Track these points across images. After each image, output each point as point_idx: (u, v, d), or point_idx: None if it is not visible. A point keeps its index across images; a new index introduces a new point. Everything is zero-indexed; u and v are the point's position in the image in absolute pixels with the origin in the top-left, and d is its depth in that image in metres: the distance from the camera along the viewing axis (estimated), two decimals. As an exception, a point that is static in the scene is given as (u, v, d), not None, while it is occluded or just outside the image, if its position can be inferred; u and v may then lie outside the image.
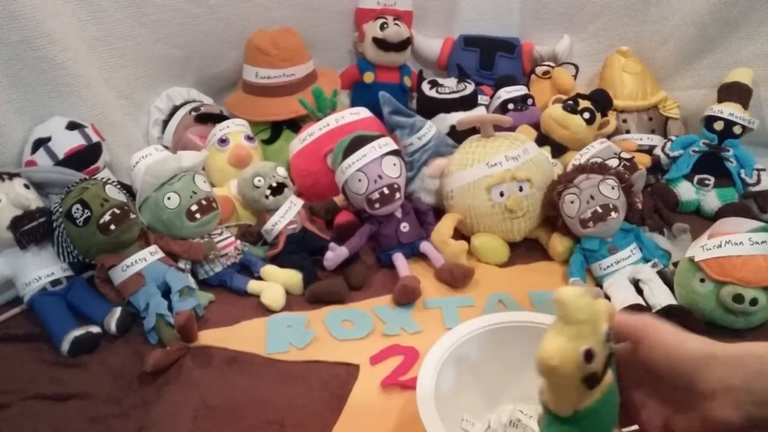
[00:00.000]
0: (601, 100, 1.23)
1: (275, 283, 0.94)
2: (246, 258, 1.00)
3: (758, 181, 1.16)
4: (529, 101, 1.31)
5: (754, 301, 0.79)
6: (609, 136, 1.28)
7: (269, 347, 0.83)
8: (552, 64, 1.43)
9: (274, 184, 1.03)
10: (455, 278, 0.95)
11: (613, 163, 1.07)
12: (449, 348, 0.67)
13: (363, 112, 1.18)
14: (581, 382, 0.40)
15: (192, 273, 0.96)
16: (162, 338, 0.83)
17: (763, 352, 0.42)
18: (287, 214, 1.03)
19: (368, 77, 1.41)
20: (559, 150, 1.21)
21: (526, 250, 1.06)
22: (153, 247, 0.93)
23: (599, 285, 0.94)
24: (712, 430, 0.41)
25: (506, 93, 1.31)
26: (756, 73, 1.22)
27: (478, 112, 1.29)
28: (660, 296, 0.87)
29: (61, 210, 0.88)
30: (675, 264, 0.93)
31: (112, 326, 0.85)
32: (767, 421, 0.40)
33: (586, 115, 1.20)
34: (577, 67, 1.41)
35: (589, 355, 0.39)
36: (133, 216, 0.90)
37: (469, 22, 1.49)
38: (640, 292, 0.90)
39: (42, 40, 0.98)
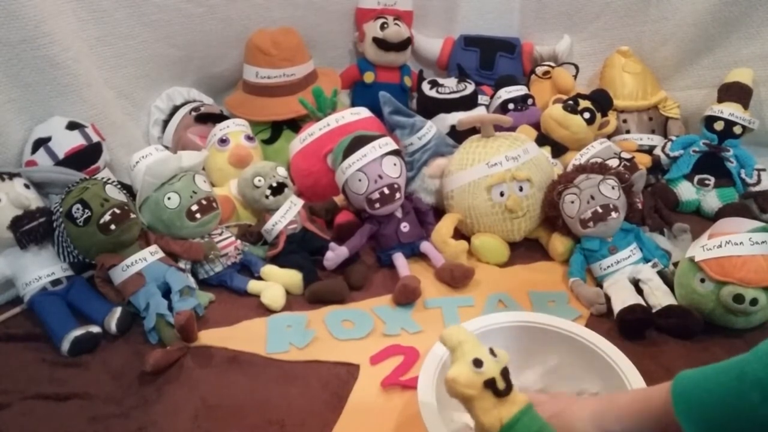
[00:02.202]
0: (601, 100, 1.23)
1: (275, 283, 0.94)
2: (246, 258, 1.00)
3: (758, 181, 1.16)
4: (530, 101, 1.31)
5: (754, 301, 0.79)
6: (609, 136, 1.28)
7: (269, 347, 0.83)
8: (552, 64, 1.43)
9: (275, 184, 1.03)
10: (455, 278, 0.95)
11: (614, 163, 1.08)
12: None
13: (363, 112, 1.18)
14: (485, 388, 0.49)
15: (192, 273, 0.96)
16: (162, 338, 0.83)
17: (602, 400, 0.57)
18: (287, 214, 1.03)
19: (368, 77, 1.41)
20: (559, 150, 1.21)
21: (526, 250, 1.06)
22: (153, 247, 0.93)
23: (599, 285, 0.94)
24: None
25: (506, 93, 1.31)
26: (756, 73, 1.22)
27: (478, 112, 1.29)
28: (660, 296, 0.87)
29: (61, 210, 0.88)
30: (675, 264, 0.93)
31: (113, 326, 0.85)
32: None
33: (587, 115, 1.20)
34: (577, 67, 1.41)
35: (477, 362, 0.50)
36: (133, 216, 0.90)
37: (470, 22, 1.49)
38: (640, 292, 0.90)
39: (42, 39, 0.98)
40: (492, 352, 0.52)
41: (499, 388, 0.50)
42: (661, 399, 0.51)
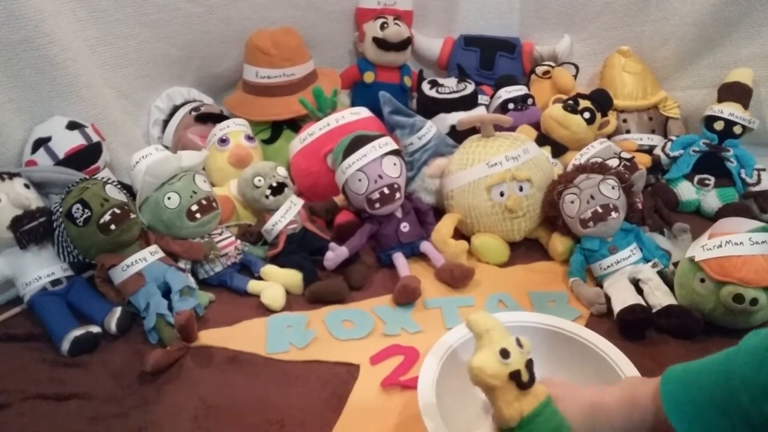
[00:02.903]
0: (601, 100, 1.23)
1: (275, 283, 0.94)
2: (246, 258, 1.00)
3: (758, 181, 1.16)
4: (530, 101, 1.31)
5: (754, 301, 0.79)
6: (609, 136, 1.28)
7: (269, 347, 0.83)
8: (552, 63, 1.43)
9: (275, 184, 1.03)
10: (455, 278, 0.95)
11: (614, 163, 1.08)
12: (450, 348, 0.67)
13: (363, 112, 1.18)
14: (509, 379, 0.49)
15: (192, 273, 0.96)
16: (162, 338, 0.83)
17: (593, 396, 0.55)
18: (287, 214, 1.03)
19: (368, 77, 1.41)
20: (559, 150, 1.21)
21: (526, 250, 1.06)
22: (153, 247, 0.93)
23: (599, 285, 0.94)
24: None
25: (506, 93, 1.31)
26: (756, 73, 1.22)
27: (478, 112, 1.29)
28: (660, 296, 0.87)
29: (61, 210, 0.88)
30: (675, 264, 0.93)
31: (113, 326, 0.85)
32: None
33: (587, 115, 1.20)
34: (577, 67, 1.41)
35: (504, 353, 0.49)
36: (133, 216, 0.90)
37: (470, 22, 1.49)
38: (640, 292, 0.90)
39: (42, 40, 0.98)
40: (518, 342, 0.51)
41: (523, 380, 0.49)
42: (650, 398, 0.51)
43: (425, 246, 1.02)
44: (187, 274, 0.94)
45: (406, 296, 0.91)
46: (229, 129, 1.18)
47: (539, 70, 1.42)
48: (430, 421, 0.57)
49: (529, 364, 0.51)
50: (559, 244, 1.01)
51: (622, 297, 0.87)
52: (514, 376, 0.49)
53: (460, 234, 1.05)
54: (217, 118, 1.25)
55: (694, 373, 0.49)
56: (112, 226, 0.87)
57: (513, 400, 0.49)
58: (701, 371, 0.49)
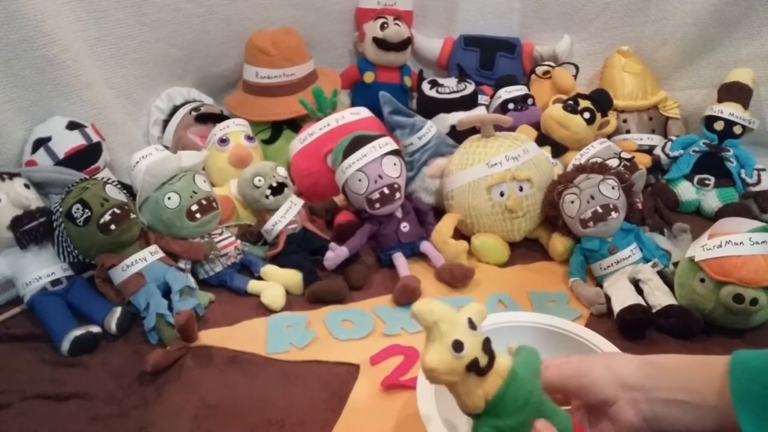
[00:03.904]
0: (601, 100, 1.23)
1: (275, 283, 0.94)
2: (246, 258, 1.00)
3: (758, 181, 1.16)
4: (530, 101, 1.31)
5: (754, 301, 0.79)
6: (609, 136, 1.28)
7: (269, 347, 0.83)
8: (552, 64, 1.43)
9: (275, 184, 1.03)
10: (455, 278, 0.95)
11: (614, 163, 1.08)
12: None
13: (363, 112, 1.18)
14: (467, 371, 0.45)
15: (192, 273, 0.96)
16: (162, 338, 0.83)
17: (654, 360, 0.51)
18: (287, 214, 1.03)
19: (368, 77, 1.41)
20: (559, 150, 1.21)
21: (526, 250, 1.06)
22: (153, 247, 0.93)
23: (599, 285, 0.94)
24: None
25: (506, 93, 1.31)
26: (756, 73, 1.22)
27: (478, 112, 1.29)
28: (660, 296, 0.87)
29: (61, 210, 0.88)
30: (675, 264, 0.93)
31: (113, 326, 0.85)
32: (659, 419, 0.49)
33: (587, 115, 1.20)
34: (577, 67, 1.41)
35: (457, 345, 0.45)
36: (133, 216, 0.90)
37: (470, 22, 1.49)
38: (640, 292, 0.90)
39: (42, 39, 0.98)
40: (471, 323, 0.47)
41: (481, 366, 0.46)
42: (717, 381, 0.46)
43: (425, 246, 1.02)
44: (187, 274, 0.94)
45: (406, 296, 0.91)
46: (229, 129, 1.18)
47: (539, 70, 1.42)
48: (429, 422, 0.57)
49: (486, 345, 0.47)
50: (559, 244, 1.01)
51: (622, 297, 0.87)
52: (472, 366, 0.45)
53: (460, 234, 1.05)
54: (217, 118, 1.25)
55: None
56: (112, 226, 0.87)
57: (475, 389, 0.46)
58: None
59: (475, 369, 0.45)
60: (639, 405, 0.49)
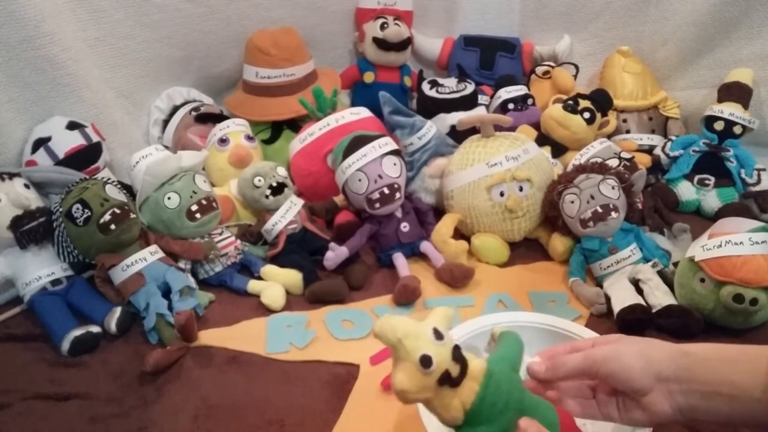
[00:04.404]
0: (601, 100, 1.23)
1: (275, 283, 0.94)
2: (246, 258, 1.00)
3: (758, 181, 1.16)
4: (530, 101, 1.31)
5: (754, 301, 0.79)
6: (609, 136, 1.28)
7: (269, 347, 0.83)
8: (552, 64, 1.43)
9: (274, 184, 1.03)
10: (455, 278, 0.95)
11: (613, 163, 1.08)
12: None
13: (363, 112, 1.18)
14: (439, 384, 0.43)
15: (192, 273, 0.96)
16: (162, 338, 0.83)
17: (690, 350, 0.50)
18: (287, 214, 1.03)
19: (368, 77, 1.41)
20: (559, 150, 1.21)
21: (526, 250, 1.06)
22: (153, 247, 0.93)
23: (599, 285, 0.94)
24: (653, 421, 0.50)
25: (506, 93, 1.31)
26: (756, 73, 1.22)
27: (478, 112, 1.29)
28: (660, 296, 0.87)
29: (61, 210, 0.88)
30: (675, 264, 0.93)
31: (113, 326, 0.85)
32: (695, 410, 0.48)
33: (587, 115, 1.19)
34: (577, 67, 1.41)
35: (425, 360, 0.42)
36: (133, 216, 0.90)
37: (469, 22, 1.49)
38: (640, 292, 0.90)
39: (42, 39, 0.98)
40: (437, 333, 0.45)
41: (453, 377, 0.44)
42: (762, 378, 0.46)
43: (425, 246, 1.02)
44: (187, 274, 0.94)
45: (406, 296, 0.91)
46: (229, 129, 1.18)
47: (539, 70, 1.42)
48: (429, 422, 0.57)
49: (456, 353, 0.44)
50: (559, 244, 1.01)
51: (622, 297, 0.87)
52: (444, 378, 0.43)
53: (460, 234, 1.05)
54: (217, 118, 1.25)
55: None
56: (112, 226, 0.87)
57: (450, 401, 0.44)
58: None
59: (448, 381, 0.44)
60: (674, 397, 0.49)
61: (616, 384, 0.51)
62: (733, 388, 0.47)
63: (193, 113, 1.25)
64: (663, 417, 0.49)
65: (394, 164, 1.00)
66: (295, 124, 1.28)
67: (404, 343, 0.43)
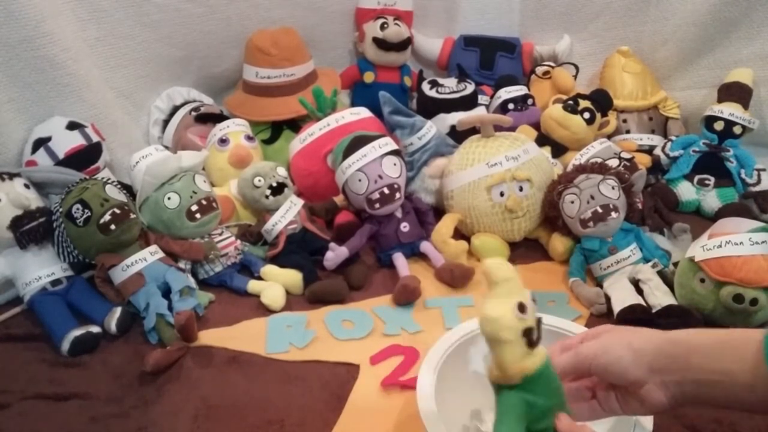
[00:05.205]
0: (601, 100, 1.23)
1: (275, 283, 0.94)
2: (246, 258, 1.00)
3: (758, 181, 1.16)
4: (530, 101, 1.31)
5: (754, 301, 0.79)
6: (609, 136, 1.28)
7: (269, 347, 0.83)
8: (552, 64, 1.43)
9: (274, 184, 1.03)
10: (455, 278, 0.95)
11: (613, 163, 1.08)
12: (449, 348, 0.67)
13: (363, 112, 1.18)
14: (522, 335, 0.46)
15: (192, 273, 0.96)
16: (162, 338, 0.83)
17: (678, 339, 0.51)
18: (287, 214, 1.03)
19: (368, 77, 1.41)
20: (559, 150, 1.21)
21: (526, 250, 1.06)
22: (153, 247, 0.93)
23: (599, 285, 0.94)
24: (650, 411, 0.52)
25: (506, 93, 1.31)
26: (756, 73, 1.22)
27: (478, 112, 1.29)
28: (660, 296, 0.87)
29: (61, 210, 0.88)
30: (675, 264, 0.93)
31: (113, 326, 0.85)
32: (690, 397, 0.49)
33: (586, 115, 1.20)
34: (577, 67, 1.41)
35: (522, 307, 0.46)
36: (133, 216, 0.90)
37: (469, 22, 1.49)
38: (640, 292, 0.90)
39: (42, 39, 0.98)
40: (532, 298, 0.49)
41: (533, 338, 0.47)
42: (749, 363, 0.46)
43: (425, 246, 1.02)
44: (187, 274, 0.94)
45: (406, 296, 0.91)
46: (229, 129, 1.18)
47: (539, 70, 1.42)
48: (429, 422, 0.57)
49: (539, 323, 0.48)
50: (559, 244, 1.01)
51: (622, 297, 0.87)
52: (527, 332, 0.46)
53: (460, 234, 1.05)
54: (217, 118, 1.25)
55: None
56: (112, 226, 0.87)
57: (520, 357, 0.47)
58: None
59: (528, 337, 0.47)
60: (668, 387, 0.50)
61: (611, 378, 0.52)
62: (723, 375, 0.48)
63: (193, 113, 1.25)
64: (660, 407, 0.50)
65: (394, 164, 1.00)
66: (295, 124, 1.28)
67: (510, 284, 0.48)
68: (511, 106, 1.29)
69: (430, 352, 0.66)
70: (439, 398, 0.60)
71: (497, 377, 0.49)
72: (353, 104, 1.40)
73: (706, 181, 1.19)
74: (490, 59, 1.45)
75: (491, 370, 0.49)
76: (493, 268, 0.48)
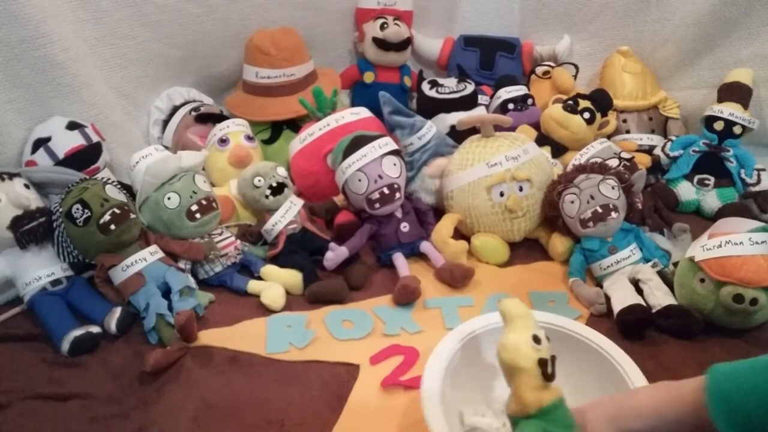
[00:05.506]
0: (601, 100, 1.23)
1: (275, 283, 0.94)
2: (246, 258, 1.00)
3: (758, 181, 1.17)
4: (529, 101, 1.31)
5: (754, 301, 0.79)
6: (609, 136, 1.28)
7: (269, 347, 0.83)
8: (552, 64, 1.43)
9: (274, 184, 1.03)
10: (455, 278, 0.95)
11: (613, 163, 1.08)
12: (452, 348, 0.67)
13: (363, 112, 1.18)
14: (537, 365, 0.50)
15: (192, 273, 0.96)
16: (162, 338, 0.83)
17: (619, 399, 0.55)
18: (287, 214, 1.03)
19: (368, 77, 1.41)
20: (559, 150, 1.21)
21: (526, 250, 1.06)
22: (153, 247, 0.93)
23: (599, 285, 0.94)
24: None
25: (506, 93, 1.31)
26: (756, 73, 1.22)
27: (478, 112, 1.29)
28: (660, 296, 0.87)
29: (61, 210, 0.88)
30: (675, 264, 0.93)
31: (112, 326, 0.85)
32: None
33: (586, 115, 1.20)
34: (577, 67, 1.41)
35: (536, 339, 0.51)
36: (133, 216, 0.90)
37: (469, 22, 1.49)
38: (640, 292, 0.90)
39: (42, 40, 0.98)
40: (547, 337, 0.52)
41: (548, 371, 0.50)
42: (691, 397, 0.50)
43: (425, 246, 1.02)
44: (187, 274, 0.94)
45: (406, 296, 0.91)
46: (229, 129, 1.18)
47: (539, 70, 1.43)
48: (433, 421, 0.57)
49: (554, 360, 0.51)
50: (559, 244, 1.01)
51: (622, 297, 0.87)
52: (542, 363, 0.50)
53: (460, 234, 1.05)
54: (217, 118, 1.25)
55: (743, 372, 0.48)
56: (112, 226, 0.87)
57: (536, 388, 0.50)
58: (754, 370, 0.48)
59: (543, 368, 0.50)
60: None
61: None
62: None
63: (193, 113, 1.25)
64: None
65: (394, 164, 1.00)
66: (295, 124, 1.28)
67: (526, 319, 0.52)
68: (511, 106, 1.29)
69: (434, 351, 0.66)
70: (441, 398, 0.60)
71: (515, 410, 0.51)
72: (353, 104, 1.41)
73: (706, 181, 1.19)
74: (490, 59, 1.45)
75: (509, 405, 0.52)
76: (508, 306, 0.53)
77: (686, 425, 0.50)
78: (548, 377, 0.50)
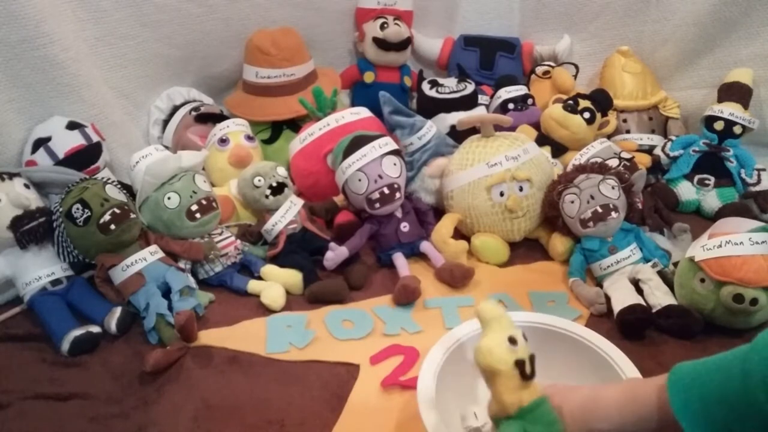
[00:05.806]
0: (601, 100, 1.23)
1: (275, 283, 0.94)
2: (246, 258, 1.00)
3: (758, 181, 1.16)
4: (529, 101, 1.31)
5: (754, 301, 0.79)
6: (609, 136, 1.28)
7: (269, 347, 0.83)
8: (552, 63, 1.43)
9: (274, 184, 1.03)
10: (455, 278, 0.95)
11: (613, 163, 1.07)
12: (450, 348, 0.67)
13: (363, 112, 1.18)
14: (514, 367, 0.50)
15: (192, 273, 0.96)
16: (162, 338, 0.83)
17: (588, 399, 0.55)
18: (287, 214, 1.03)
19: (368, 77, 1.41)
20: (559, 150, 1.21)
21: (526, 250, 1.06)
22: (153, 247, 0.93)
23: (599, 285, 0.94)
24: None
25: (506, 93, 1.31)
26: (756, 73, 1.22)
27: (478, 112, 1.29)
28: (660, 296, 0.87)
29: (61, 210, 0.88)
30: (675, 264, 0.93)
31: (113, 326, 0.85)
32: None
33: (586, 115, 1.20)
34: (577, 67, 1.41)
35: (512, 340, 0.51)
36: (133, 216, 0.90)
37: (469, 22, 1.49)
38: (640, 292, 0.90)
39: (42, 40, 0.98)
40: (524, 335, 0.53)
41: (526, 371, 0.50)
42: (655, 396, 0.50)
43: (425, 246, 1.02)
44: (187, 274, 0.94)
45: (406, 296, 0.91)
46: (229, 129, 1.19)
47: (539, 70, 1.42)
48: (429, 421, 0.57)
49: (532, 359, 0.52)
50: (559, 244, 1.01)
51: (622, 297, 0.87)
52: (519, 364, 0.50)
53: (460, 234, 1.05)
54: (217, 118, 1.25)
55: (703, 370, 0.49)
56: (112, 226, 0.87)
57: (514, 389, 0.50)
58: (712, 368, 0.48)
59: (521, 369, 0.50)
60: None
61: None
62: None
63: (193, 113, 1.25)
64: None
65: (394, 164, 1.00)
66: (295, 124, 1.29)
67: (501, 321, 0.52)
68: (511, 105, 1.29)
69: (431, 351, 0.66)
70: (438, 398, 0.60)
71: (495, 411, 0.52)
72: (353, 104, 1.40)
73: (706, 181, 1.19)
74: (490, 59, 1.45)
75: (490, 406, 0.52)
76: (482, 310, 0.53)
77: (652, 422, 0.51)
78: (527, 377, 0.50)
